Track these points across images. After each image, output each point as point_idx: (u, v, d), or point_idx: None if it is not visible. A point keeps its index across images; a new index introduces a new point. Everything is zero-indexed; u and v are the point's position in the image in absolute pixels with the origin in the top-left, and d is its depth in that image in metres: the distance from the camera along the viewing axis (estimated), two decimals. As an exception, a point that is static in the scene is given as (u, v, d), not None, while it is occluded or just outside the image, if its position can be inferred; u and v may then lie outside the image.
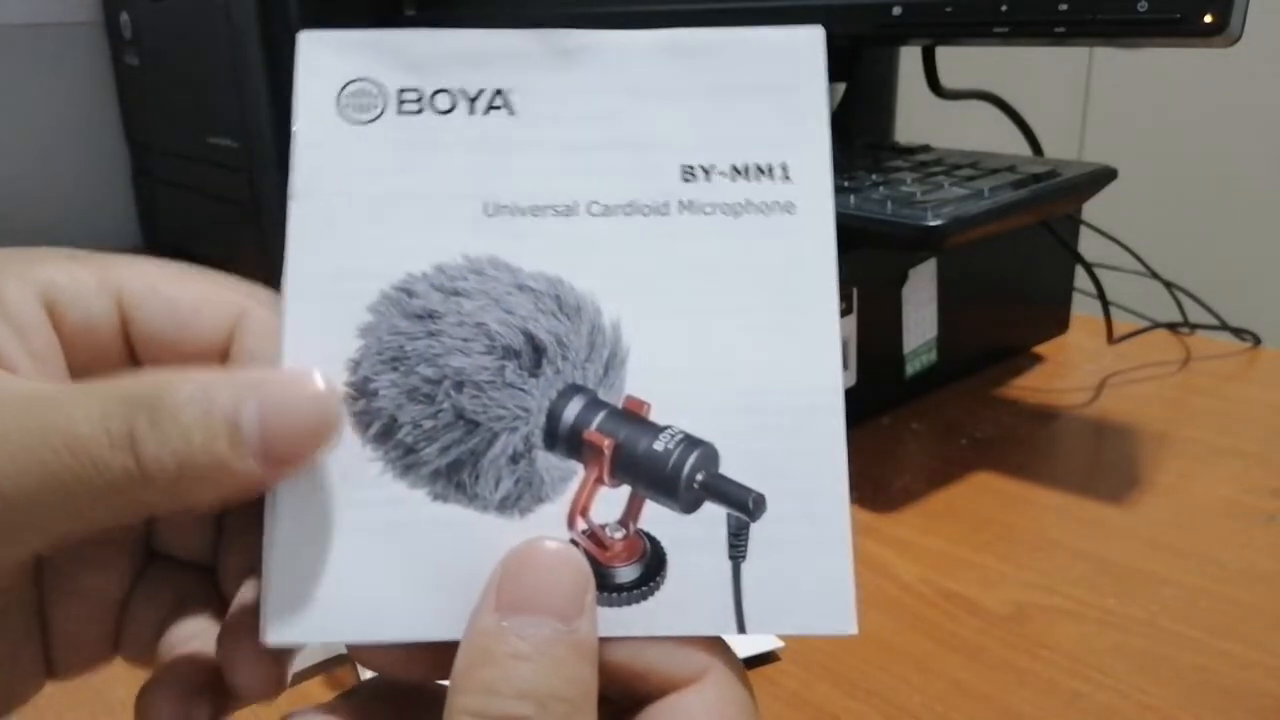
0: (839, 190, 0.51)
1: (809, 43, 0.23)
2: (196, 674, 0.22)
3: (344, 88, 0.22)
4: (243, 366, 0.22)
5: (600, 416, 0.21)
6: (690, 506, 0.21)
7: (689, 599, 0.21)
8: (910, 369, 0.61)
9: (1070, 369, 0.68)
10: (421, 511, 0.21)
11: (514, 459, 0.21)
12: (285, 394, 0.19)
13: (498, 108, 0.22)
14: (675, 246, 0.22)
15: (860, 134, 0.70)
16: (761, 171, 0.22)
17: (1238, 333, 0.71)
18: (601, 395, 0.22)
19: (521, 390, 0.22)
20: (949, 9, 0.51)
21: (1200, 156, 1.54)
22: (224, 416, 0.18)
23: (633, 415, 0.21)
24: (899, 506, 0.50)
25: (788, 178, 0.22)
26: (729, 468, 0.21)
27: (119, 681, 0.38)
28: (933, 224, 0.46)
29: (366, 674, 0.37)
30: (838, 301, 0.22)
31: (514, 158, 0.22)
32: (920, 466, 0.55)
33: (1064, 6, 0.47)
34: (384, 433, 0.21)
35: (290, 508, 0.21)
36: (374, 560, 0.21)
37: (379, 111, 0.22)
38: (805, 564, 0.21)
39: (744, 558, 0.21)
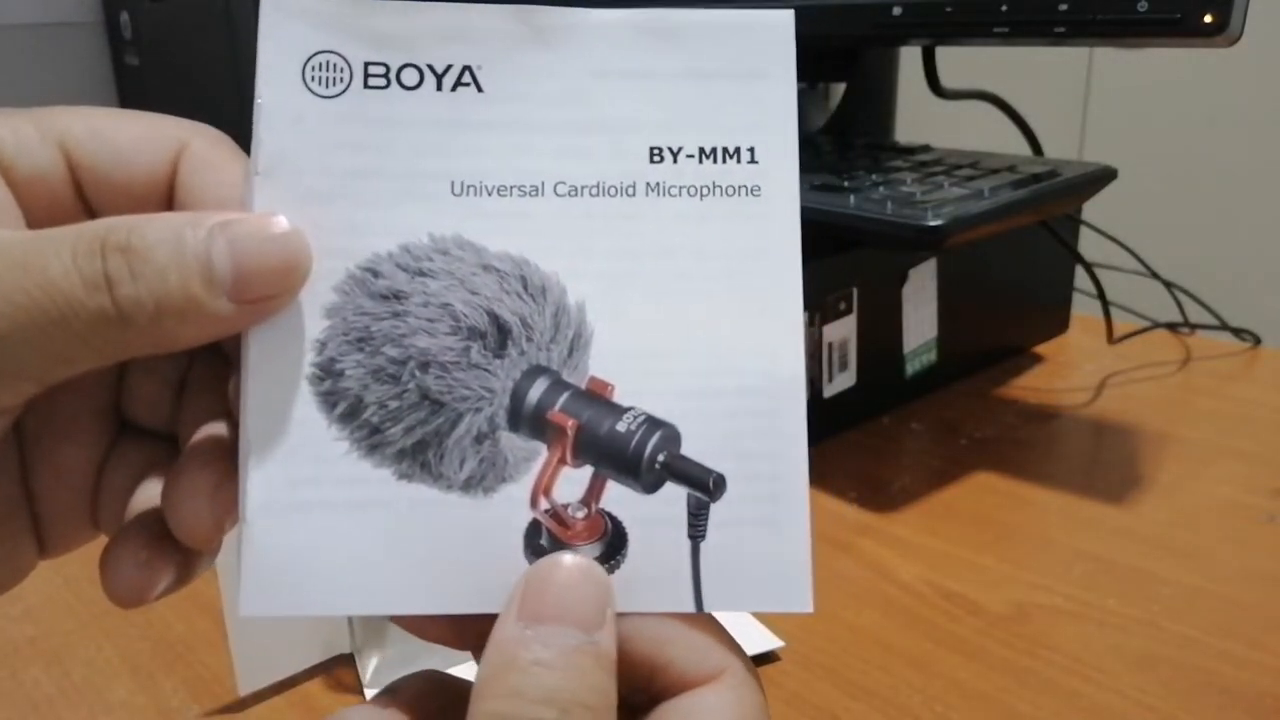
0: (839, 190, 0.51)
1: (779, 26, 0.23)
2: (158, 531, 0.22)
3: (309, 60, 0.22)
4: (186, 200, 0.22)
5: (564, 397, 0.22)
6: (651, 487, 0.21)
7: (649, 577, 0.21)
8: (910, 369, 0.61)
9: (1070, 369, 0.68)
10: (387, 491, 0.21)
11: (478, 439, 0.22)
12: (253, 234, 0.19)
13: (466, 84, 0.22)
14: (641, 228, 0.22)
15: (860, 134, 0.70)
16: (729, 154, 0.22)
17: (1238, 333, 0.71)
18: (565, 376, 0.22)
19: (486, 371, 0.22)
20: (949, 9, 0.51)
21: (1200, 156, 1.54)
22: (196, 256, 0.18)
23: (596, 396, 0.22)
24: (899, 506, 0.50)
25: (754, 161, 0.22)
26: (691, 449, 0.21)
27: (119, 681, 0.38)
28: (933, 224, 0.46)
29: (368, 674, 0.37)
30: (801, 285, 0.22)
31: (481, 136, 0.22)
32: (920, 466, 0.55)
33: (1064, 6, 0.47)
34: (350, 413, 0.21)
35: (260, 487, 0.21)
36: (341, 538, 0.21)
37: (345, 85, 0.22)
38: (764, 544, 0.21)
39: (703, 537, 0.21)
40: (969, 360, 0.66)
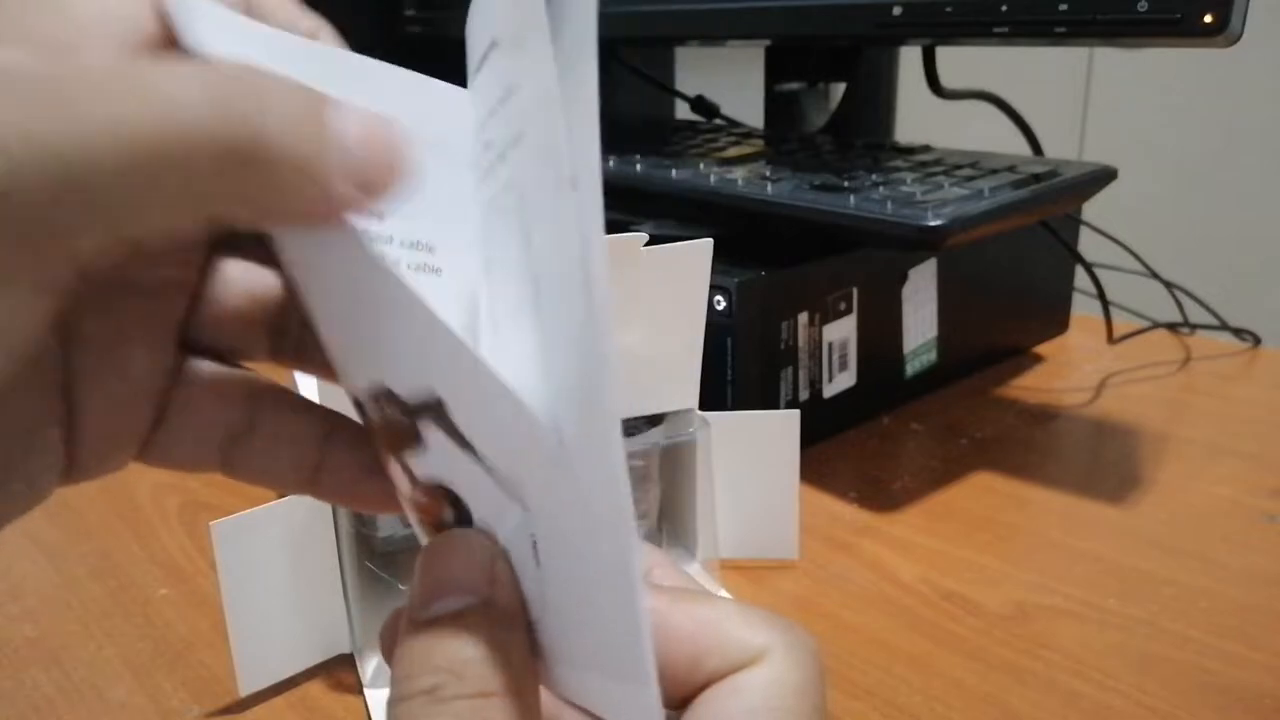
0: (839, 190, 0.51)
1: None
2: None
3: None
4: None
5: None
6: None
7: (481, 507, 0.20)
8: (910, 369, 0.61)
9: (1070, 369, 0.68)
10: None
11: None
12: (369, 118, 0.17)
13: None
14: None
15: (860, 134, 0.70)
16: None
17: (1238, 333, 0.71)
18: None
19: None
20: (949, 9, 0.51)
21: (1200, 156, 1.54)
22: (334, 131, 0.17)
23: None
24: (899, 506, 0.50)
25: None
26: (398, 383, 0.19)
27: (119, 681, 0.38)
28: (933, 224, 0.46)
29: (368, 674, 0.37)
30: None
31: None
32: (920, 466, 0.55)
33: (1064, 6, 0.47)
34: None
35: None
36: None
37: None
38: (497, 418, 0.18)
39: (470, 444, 0.19)
40: (969, 360, 0.66)
